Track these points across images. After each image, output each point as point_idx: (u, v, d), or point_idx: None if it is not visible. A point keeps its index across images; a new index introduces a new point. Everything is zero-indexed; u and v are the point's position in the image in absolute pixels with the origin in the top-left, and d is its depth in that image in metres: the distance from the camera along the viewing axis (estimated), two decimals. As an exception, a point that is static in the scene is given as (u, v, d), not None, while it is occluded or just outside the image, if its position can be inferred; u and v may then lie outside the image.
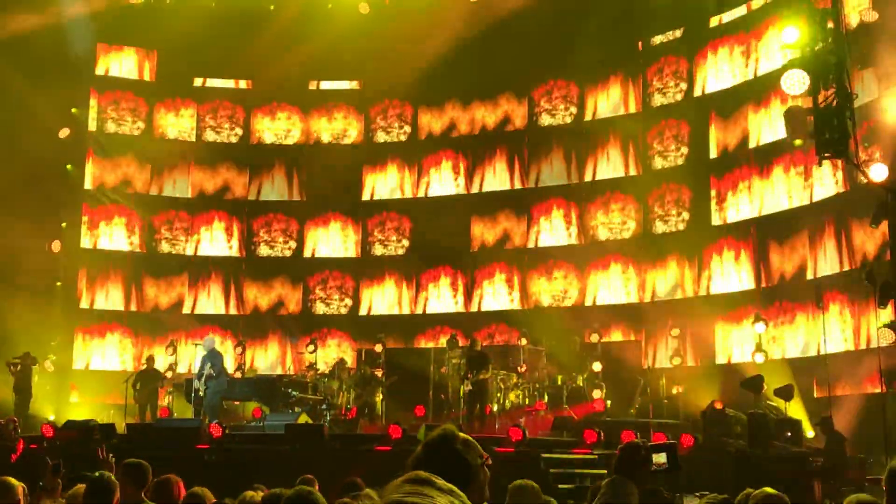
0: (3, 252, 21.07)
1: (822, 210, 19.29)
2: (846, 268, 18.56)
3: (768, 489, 5.64)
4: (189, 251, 25.04)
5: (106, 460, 6.52)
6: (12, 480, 5.19)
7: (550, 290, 23.66)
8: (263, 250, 25.40)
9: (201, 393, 18.60)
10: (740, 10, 21.63)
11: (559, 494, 11.64)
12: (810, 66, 11.19)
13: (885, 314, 14.45)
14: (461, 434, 3.16)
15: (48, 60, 22.38)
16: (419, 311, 24.72)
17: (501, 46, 22.95)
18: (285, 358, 23.91)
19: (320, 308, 25.09)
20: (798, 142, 11.41)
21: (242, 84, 25.99)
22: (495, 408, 18.85)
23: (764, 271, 20.67)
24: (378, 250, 25.28)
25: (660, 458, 5.55)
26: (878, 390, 15.80)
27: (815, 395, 18.37)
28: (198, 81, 25.75)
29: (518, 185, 24.40)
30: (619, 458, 5.61)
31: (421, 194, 25.22)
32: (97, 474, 6.10)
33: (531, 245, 24.02)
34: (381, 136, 25.79)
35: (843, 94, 11.04)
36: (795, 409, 16.71)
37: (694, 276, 21.81)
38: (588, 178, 23.64)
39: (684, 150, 22.51)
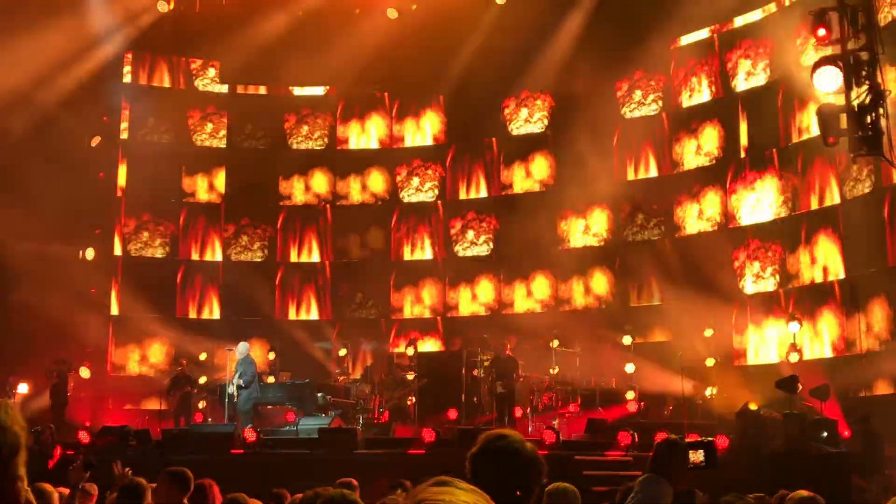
0: (38, 260, 21.24)
1: (855, 208, 19.09)
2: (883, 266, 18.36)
3: (803, 491, 5.56)
4: (220, 257, 25.13)
5: (123, 474, 6.51)
6: (48, 486, 5.22)
7: (582, 291, 23.57)
8: (294, 255, 25.44)
9: (235, 399, 18.73)
10: (770, 7, 21.49)
11: (593, 497, 11.57)
12: (842, 63, 11.07)
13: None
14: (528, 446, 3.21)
15: (79, 69, 22.57)
16: (451, 314, 24.71)
17: (531, 48, 22.89)
18: (319, 363, 23.84)
19: (352, 311, 25.12)
20: (831, 140, 11.25)
21: (273, 90, 26.09)
22: (528, 410, 18.82)
23: (797, 270, 20.49)
24: (410, 254, 25.31)
25: (697, 455, 5.42)
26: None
27: (851, 395, 18.18)
28: (228, 88, 25.88)
29: (549, 186, 24.35)
30: (654, 455, 5.44)
31: (449, 199, 25.23)
32: (128, 480, 6.12)
33: (561, 247, 23.92)
34: (407, 141, 25.85)
35: (876, 91, 10.91)
36: (831, 410, 16.54)
37: (726, 277, 21.62)
38: (620, 179, 23.50)
39: (713, 149, 22.36)
